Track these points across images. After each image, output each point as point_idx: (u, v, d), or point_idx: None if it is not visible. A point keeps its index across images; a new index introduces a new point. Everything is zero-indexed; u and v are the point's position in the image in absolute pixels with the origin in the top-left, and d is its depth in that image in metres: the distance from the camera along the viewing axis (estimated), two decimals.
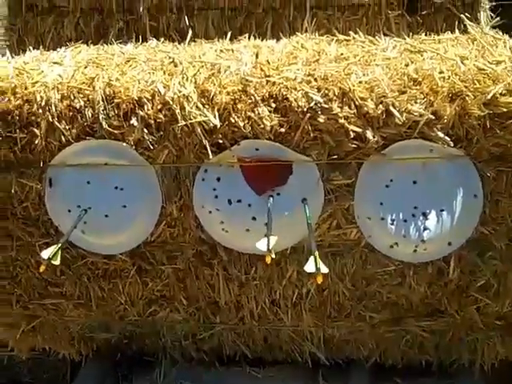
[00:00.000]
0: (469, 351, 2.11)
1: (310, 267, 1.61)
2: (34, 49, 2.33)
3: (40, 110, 1.89)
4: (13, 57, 2.21)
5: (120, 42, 2.40)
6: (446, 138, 1.75)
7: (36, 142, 1.91)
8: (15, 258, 2.10)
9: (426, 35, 2.23)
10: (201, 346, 2.27)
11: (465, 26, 2.34)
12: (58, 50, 2.28)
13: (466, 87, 1.73)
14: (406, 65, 1.86)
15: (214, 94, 1.81)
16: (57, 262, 1.76)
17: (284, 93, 1.79)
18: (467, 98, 1.73)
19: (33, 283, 2.15)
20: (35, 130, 1.90)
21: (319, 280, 1.58)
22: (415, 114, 1.74)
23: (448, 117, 1.74)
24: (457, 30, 2.27)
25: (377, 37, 2.16)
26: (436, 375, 2.19)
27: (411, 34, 2.26)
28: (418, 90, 1.76)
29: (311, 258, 1.62)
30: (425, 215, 1.82)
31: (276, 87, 1.80)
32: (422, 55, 1.94)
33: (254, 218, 1.87)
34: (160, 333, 2.25)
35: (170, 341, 2.27)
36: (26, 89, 1.92)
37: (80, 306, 2.17)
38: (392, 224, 1.84)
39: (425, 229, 1.83)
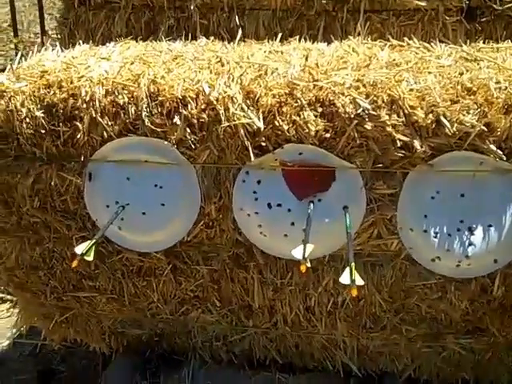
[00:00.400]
0: (508, 372, 2.04)
1: (345, 279, 1.58)
2: (84, 43, 2.33)
3: (84, 105, 1.89)
4: (62, 50, 2.22)
5: (169, 40, 2.38)
6: (499, 151, 1.68)
7: (78, 136, 1.90)
8: (52, 249, 2.12)
9: (484, 43, 2.15)
10: (231, 349, 2.26)
11: None
12: (108, 45, 2.28)
13: None
14: (461, 73, 1.80)
15: (260, 95, 1.78)
16: (90, 257, 1.76)
17: (331, 98, 1.74)
18: None
19: (68, 275, 2.16)
20: (78, 124, 1.90)
21: (354, 293, 1.54)
22: (467, 124, 1.68)
23: (502, 129, 1.67)
24: None
25: (432, 43, 2.10)
26: None
27: (468, 41, 2.18)
28: (471, 100, 1.70)
29: (347, 270, 1.59)
30: (471, 230, 1.76)
31: (323, 92, 1.76)
32: (478, 64, 1.87)
33: (292, 224, 1.83)
34: (191, 333, 2.25)
35: (200, 341, 2.26)
36: (71, 83, 1.92)
37: (113, 300, 2.17)
38: (435, 237, 1.79)
39: (470, 244, 1.77)
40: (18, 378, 2.87)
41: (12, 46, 5.65)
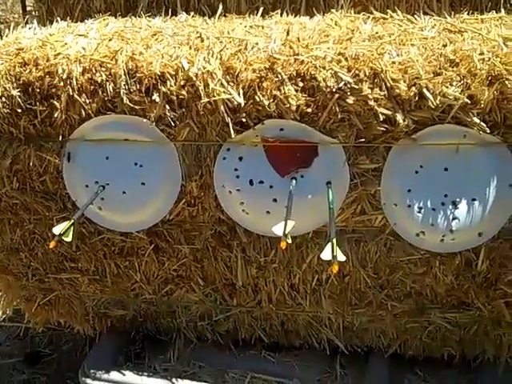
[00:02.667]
0: (494, 346, 2.04)
1: (326, 254, 1.55)
2: (62, 20, 2.28)
3: (61, 83, 1.85)
4: (40, 28, 2.17)
5: (149, 16, 2.34)
6: (482, 123, 1.66)
7: (56, 115, 1.87)
8: (32, 231, 2.09)
9: (468, 14, 2.11)
10: (216, 328, 2.25)
11: (511, 5, 2.22)
12: (86, 22, 2.23)
13: (506, 70, 1.63)
14: (444, 45, 1.76)
15: (240, 71, 1.74)
16: (68, 238, 1.73)
17: (312, 72, 1.71)
18: (507, 81, 1.62)
19: (49, 257, 2.14)
20: (55, 103, 1.86)
21: (335, 269, 1.52)
22: (450, 97, 1.65)
23: (485, 101, 1.64)
24: (502, 10, 2.15)
25: (416, 15, 2.06)
26: (458, 368, 2.13)
27: (453, 13, 2.14)
28: (454, 71, 1.66)
29: (328, 245, 1.56)
30: (455, 204, 1.74)
31: (304, 66, 1.72)
32: (462, 35, 1.84)
33: (275, 200, 1.81)
34: (175, 313, 2.24)
35: (185, 321, 2.25)
36: (47, 61, 1.88)
37: (95, 281, 2.16)
38: (419, 212, 1.77)
39: (454, 218, 1.75)
40: (5, 361, 2.87)
41: None
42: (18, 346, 2.95)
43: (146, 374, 2.17)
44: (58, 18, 2.32)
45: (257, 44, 1.83)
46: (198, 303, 2.14)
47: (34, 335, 2.96)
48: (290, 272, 1.99)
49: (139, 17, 2.34)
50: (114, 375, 2.18)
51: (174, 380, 2.14)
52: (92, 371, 2.19)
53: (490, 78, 1.65)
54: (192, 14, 2.36)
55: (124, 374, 2.18)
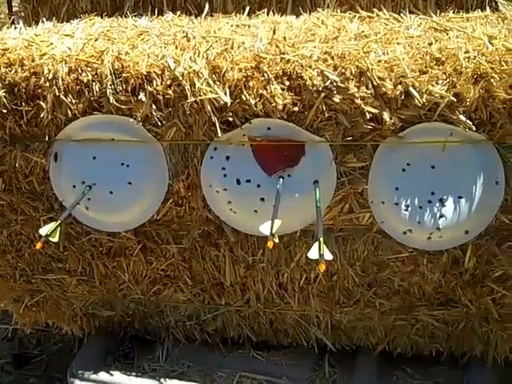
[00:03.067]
0: (481, 342, 2.05)
1: (313, 253, 1.55)
2: (48, 20, 2.27)
3: (47, 83, 1.84)
4: (26, 28, 2.15)
5: (135, 15, 2.33)
6: (468, 121, 1.67)
7: (42, 115, 1.86)
8: (19, 232, 2.08)
9: (454, 13, 2.12)
10: (204, 328, 2.25)
11: (496, 3, 2.23)
12: (72, 22, 2.22)
13: (492, 68, 1.64)
14: (430, 43, 1.77)
15: (226, 70, 1.74)
16: (55, 239, 1.73)
17: (298, 71, 1.71)
18: (492, 79, 1.63)
19: (36, 258, 2.13)
20: (42, 103, 1.86)
21: (322, 268, 1.52)
22: (436, 95, 1.66)
23: (471, 99, 1.65)
24: (487, 8, 2.16)
25: (402, 14, 2.07)
26: (446, 365, 2.14)
27: (439, 11, 2.15)
28: (440, 70, 1.67)
29: (315, 244, 1.56)
30: (442, 202, 1.75)
31: (290, 65, 1.72)
32: (447, 34, 1.85)
33: (262, 199, 1.81)
34: (163, 312, 2.23)
35: (173, 321, 2.25)
36: (33, 61, 1.87)
37: (83, 282, 2.16)
38: (406, 210, 1.77)
39: (441, 216, 1.75)
40: None
41: None
42: (6, 347, 2.93)
43: (134, 374, 2.17)
44: (44, 19, 2.31)
45: (243, 43, 1.83)
46: (186, 303, 2.14)
47: (22, 336, 2.94)
48: (278, 271, 1.99)
49: (125, 17, 2.33)
50: (103, 375, 2.17)
51: (162, 380, 2.13)
52: (80, 372, 2.18)
53: (475, 77, 1.66)
54: (178, 13, 2.36)
55: (112, 375, 2.17)
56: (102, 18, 2.32)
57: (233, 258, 1.98)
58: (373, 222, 1.85)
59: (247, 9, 2.30)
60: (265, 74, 1.73)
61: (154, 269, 2.05)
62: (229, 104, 1.73)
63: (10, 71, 1.88)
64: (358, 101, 1.69)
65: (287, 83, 1.72)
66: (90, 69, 1.84)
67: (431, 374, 2.13)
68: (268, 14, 2.27)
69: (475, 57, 1.69)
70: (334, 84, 1.69)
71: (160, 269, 2.04)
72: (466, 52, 1.71)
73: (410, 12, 2.17)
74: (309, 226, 1.88)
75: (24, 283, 2.20)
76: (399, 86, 1.68)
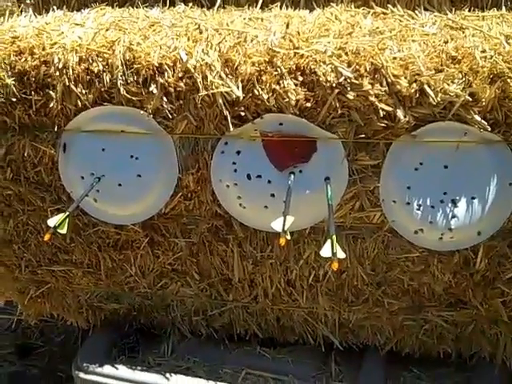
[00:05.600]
0: (490, 345, 2.03)
1: (325, 251, 1.53)
2: (58, 9, 2.26)
3: (57, 73, 1.83)
4: (35, 16, 2.13)
5: (146, 6, 2.30)
6: (483, 121, 1.64)
7: (51, 105, 1.85)
8: (26, 222, 2.07)
9: (469, 11, 2.09)
10: (211, 323, 2.23)
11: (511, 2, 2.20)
12: (83, 11, 2.20)
13: (508, 68, 1.61)
14: (446, 42, 1.74)
15: (239, 63, 1.72)
16: (63, 230, 1.72)
17: (312, 66, 1.69)
18: (509, 79, 1.61)
19: (42, 249, 2.12)
20: (51, 92, 1.84)
21: (334, 266, 1.50)
22: (451, 94, 1.63)
23: (486, 99, 1.62)
24: (503, 7, 2.13)
25: (416, 11, 2.04)
26: (454, 367, 2.12)
27: (454, 9, 2.12)
28: (456, 69, 1.65)
29: (328, 242, 1.54)
30: (454, 202, 1.73)
31: (304, 60, 1.70)
32: (463, 32, 1.82)
33: (272, 195, 1.79)
34: (170, 307, 2.22)
35: (179, 315, 2.23)
36: (43, 49, 1.86)
37: (89, 274, 2.14)
38: (418, 209, 1.75)
39: (453, 216, 1.73)
40: None
41: None
42: (10, 338, 2.93)
43: (139, 368, 2.15)
44: (54, 7, 2.30)
45: (256, 37, 1.81)
46: (193, 298, 2.12)
47: (25, 327, 2.94)
48: (287, 268, 1.97)
49: (136, 7, 2.31)
50: (108, 369, 2.15)
51: (167, 375, 2.12)
52: (85, 364, 2.17)
53: (491, 76, 1.64)
54: (190, 5, 2.33)
55: (117, 368, 2.16)
56: (112, 7, 2.29)
57: (241, 254, 1.97)
58: (383, 221, 1.82)
59: (260, 2, 2.28)
60: (278, 69, 1.71)
61: (161, 262, 2.03)
62: (241, 98, 1.71)
63: (20, 59, 1.87)
64: (372, 98, 1.67)
65: (300, 78, 1.70)
66: (100, 59, 1.82)
67: (439, 375, 2.11)
68: (281, 8, 2.24)
69: (492, 56, 1.66)
70: (348, 80, 1.67)
71: (167, 263, 2.03)
72: (483, 51, 1.68)
73: (425, 9, 2.14)
74: (318, 223, 1.86)
75: (29, 274, 2.19)
76: (414, 84, 1.65)
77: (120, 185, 1.88)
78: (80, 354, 2.23)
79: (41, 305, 2.33)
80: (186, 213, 1.93)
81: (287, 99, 1.69)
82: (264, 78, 1.71)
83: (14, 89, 1.85)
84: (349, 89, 1.67)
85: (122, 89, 1.79)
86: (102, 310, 2.30)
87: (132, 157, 1.86)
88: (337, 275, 1.95)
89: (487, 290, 1.88)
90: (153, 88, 1.77)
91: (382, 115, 1.67)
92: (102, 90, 1.81)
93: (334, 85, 1.67)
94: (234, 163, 1.80)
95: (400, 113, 1.67)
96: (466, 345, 2.07)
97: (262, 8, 2.21)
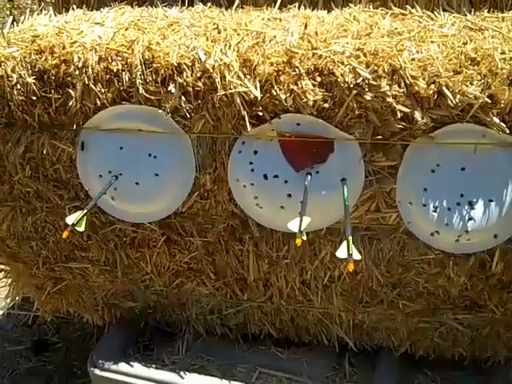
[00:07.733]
0: (506, 348, 2.02)
1: (341, 253, 1.53)
2: (77, 8, 2.27)
3: (77, 72, 1.84)
4: (55, 15, 2.15)
5: (165, 5, 2.32)
6: (502, 123, 1.63)
7: (70, 103, 1.86)
8: (44, 219, 2.09)
9: (489, 12, 2.08)
10: (226, 322, 2.24)
11: None
12: (102, 10, 2.21)
13: None
14: (465, 43, 1.73)
15: (257, 64, 1.73)
16: (81, 228, 1.73)
17: (330, 67, 1.69)
18: None
19: (60, 246, 2.14)
20: (71, 91, 1.85)
21: (350, 267, 1.49)
22: (470, 96, 1.62)
23: (505, 101, 1.61)
24: None
25: (435, 12, 2.03)
26: (469, 370, 2.11)
27: (473, 10, 2.11)
28: (475, 70, 1.64)
29: (344, 243, 1.54)
30: (471, 204, 1.72)
31: (322, 60, 1.70)
32: (482, 33, 1.81)
33: (289, 195, 1.79)
34: (185, 305, 2.23)
35: (194, 314, 2.24)
36: (63, 48, 1.87)
37: (106, 272, 2.16)
38: (435, 211, 1.74)
39: (470, 219, 1.72)
40: (12, 348, 2.88)
41: (8, 12, 5.56)
42: (26, 334, 2.97)
43: (154, 366, 2.17)
44: (74, 6, 2.32)
45: (274, 37, 1.81)
46: (208, 297, 2.13)
47: (41, 323, 2.97)
48: (302, 268, 1.97)
49: (155, 6, 2.32)
50: (123, 366, 2.17)
51: (181, 373, 2.13)
52: (100, 361, 2.18)
53: (511, 78, 1.63)
54: (209, 4, 2.34)
55: (132, 366, 2.17)
56: (131, 7, 2.31)
57: (257, 254, 1.97)
58: (399, 222, 1.82)
59: (278, 2, 2.28)
60: (296, 69, 1.71)
61: (177, 261, 2.04)
62: (259, 98, 1.71)
63: (40, 58, 1.88)
64: (390, 99, 1.66)
65: (318, 79, 1.70)
66: (120, 58, 1.83)
67: (453, 378, 2.10)
68: (299, 8, 2.24)
69: (511, 58, 1.65)
70: (366, 81, 1.66)
71: (183, 261, 2.04)
72: (502, 53, 1.67)
73: (444, 10, 2.13)
74: (334, 223, 1.86)
75: (47, 271, 2.21)
76: (432, 86, 1.65)
77: (137, 183, 1.90)
78: (95, 350, 2.25)
79: (57, 301, 2.35)
80: (203, 212, 1.94)
81: (305, 100, 1.69)
82: (282, 78, 1.71)
83: (35, 87, 1.87)
84: (367, 90, 1.67)
85: (140, 88, 1.80)
86: (117, 307, 2.32)
87: (150, 155, 1.87)
88: (352, 276, 1.95)
89: (503, 293, 1.87)
90: (171, 87, 1.78)
91: (399, 116, 1.67)
92: (121, 88, 1.82)
93: (351, 86, 1.67)
94: (251, 163, 1.81)
95: (418, 114, 1.66)
96: (480, 348, 2.06)
97: (280, 8, 2.21)
